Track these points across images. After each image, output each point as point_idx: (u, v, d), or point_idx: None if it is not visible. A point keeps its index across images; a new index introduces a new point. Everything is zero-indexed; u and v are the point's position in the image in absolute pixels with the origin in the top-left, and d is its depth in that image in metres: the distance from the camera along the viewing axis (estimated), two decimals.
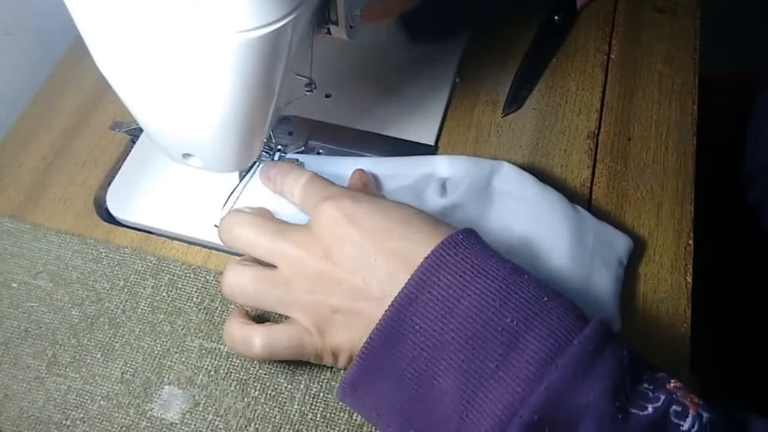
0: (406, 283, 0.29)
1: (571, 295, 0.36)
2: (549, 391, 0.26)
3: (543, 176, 0.43)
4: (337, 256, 0.31)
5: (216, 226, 0.40)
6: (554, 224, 0.38)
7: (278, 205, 0.39)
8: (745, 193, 0.51)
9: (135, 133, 0.46)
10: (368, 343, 0.29)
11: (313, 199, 0.34)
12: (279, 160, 0.43)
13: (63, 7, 0.29)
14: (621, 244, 0.39)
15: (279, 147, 0.43)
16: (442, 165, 0.41)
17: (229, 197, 0.41)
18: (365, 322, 0.30)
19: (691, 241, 0.41)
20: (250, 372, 0.37)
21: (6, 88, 0.51)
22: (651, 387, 0.26)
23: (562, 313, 0.28)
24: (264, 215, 0.35)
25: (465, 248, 0.29)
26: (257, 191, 0.42)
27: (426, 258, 0.29)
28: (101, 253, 0.41)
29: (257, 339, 0.33)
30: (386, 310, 0.29)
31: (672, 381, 0.27)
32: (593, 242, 0.38)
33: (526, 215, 0.38)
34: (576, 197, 0.43)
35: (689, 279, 0.40)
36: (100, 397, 0.37)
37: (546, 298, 0.28)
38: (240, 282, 0.34)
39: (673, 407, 0.26)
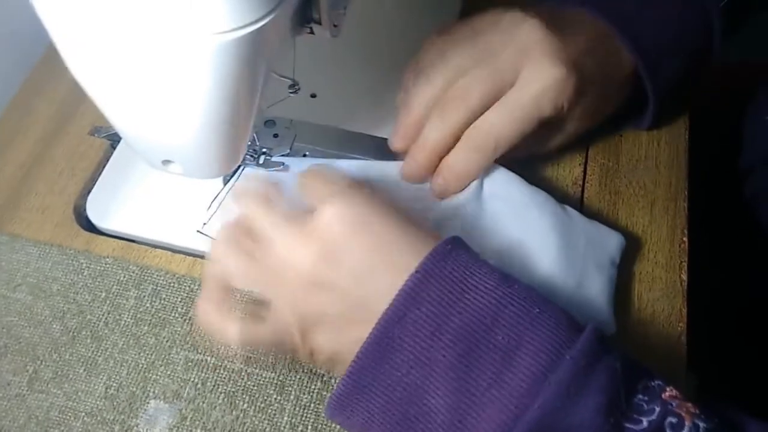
0: (392, 300, 0.28)
1: (564, 300, 0.36)
2: (543, 410, 0.25)
3: (534, 175, 0.43)
4: (338, 262, 0.30)
5: (199, 231, 0.39)
6: (543, 227, 0.37)
7: None
8: (741, 186, 0.51)
9: (115, 138, 0.45)
10: (356, 362, 0.28)
11: (319, 190, 0.32)
12: (264, 162, 0.42)
13: (35, 12, 0.27)
14: (613, 242, 0.38)
15: (264, 150, 0.42)
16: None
17: (213, 201, 0.40)
18: (357, 332, 0.29)
19: (685, 238, 0.40)
20: (238, 384, 0.36)
21: None
22: (646, 398, 0.26)
23: (553, 325, 0.27)
24: (271, 197, 0.33)
25: (452, 260, 0.28)
26: (243, 194, 0.40)
27: (412, 274, 0.28)
28: (82, 263, 0.40)
29: (236, 333, 0.31)
30: (374, 328, 0.28)
31: (668, 389, 0.26)
32: (584, 243, 0.37)
33: (515, 218, 0.37)
34: (568, 196, 0.42)
35: (684, 277, 0.39)
36: (83, 414, 0.35)
37: (537, 310, 0.28)
38: (229, 265, 0.32)
39: (669, 419, 0.25)
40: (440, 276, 0.28)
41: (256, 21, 0.25)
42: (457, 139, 0.37)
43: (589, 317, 0.35)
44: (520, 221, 0.37)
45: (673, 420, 0.25)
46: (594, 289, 0.36)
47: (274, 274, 0.31)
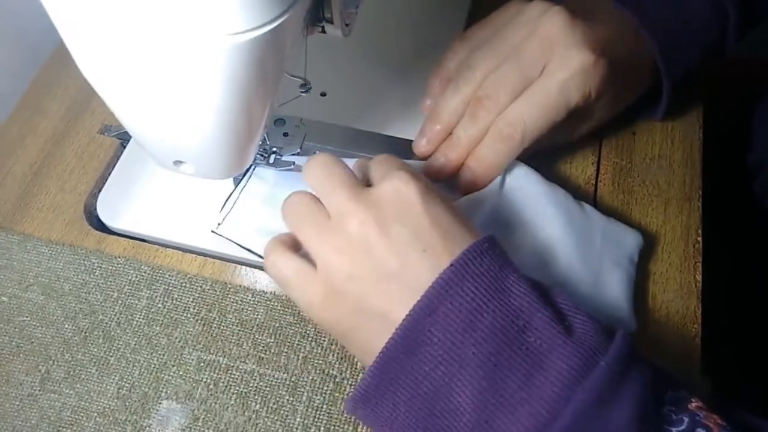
0: (426, 292, 0.27)
1: (582, 297, 0.35)
2: (575, 414, 0.25)
3: (548, 173, 0.42)
4: (388, 228, 0.29)
5: (214, 232, 0.39)
6: (560, 223, 0.37)
7: (275, 209, 0.38)
8: (751, 182, 0.50)
9: (125, 137, 0.45)
10: (384, 352, 0.28)
11: (387, 168, 0.32)
12: (275, 162, 0.41)
13: (45, 10, 0.27)
14: (630, 241, 0.38)
15: (274, 149, 0.41)
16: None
17: (226, 201, 0.40)
18: (381, 305, 0.29)
19: (699, 238, 0.40)
20: (251, 385, 0.36)
21: None
22: (673, 408, 0.26)
23: (584, 331, 0.27)
24: (340, 164, 0.33)
25: (489, 258, 0.28)
26: (255, 195, 0.40)
27: (449, 266, 0.28)
28: (93, 263, 0.40)
29: (286, 267, 0.31)
30: (404, 319, 0.27)
31: (693, 400, 0.26)
32: (602, 241, 0.37)
33: (533, 214, 0.37)
34: (581, 195, 0.42)
35: (699, 277, 0.39)
36: (95, 414, 0.35)
37: (567, 322, 0.27)
38: (294, 201, 0.32)
39: (698, 430, 0.25)
40: (476, 273, 0.28)
41: (270, 21, 0.24)
42: None
43: (607, 315, 0.35)
44: (537, 217, 0.37)
45: None
46: (612, 286, 0.36)
47: (325, 225, 0.31)
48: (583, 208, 0.38)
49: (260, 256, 0.37)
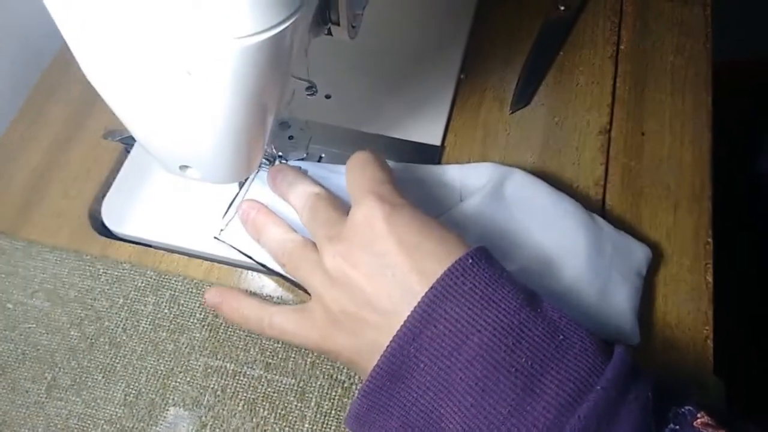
0: (408, 316, 0.27)
1: (587, 307, 0.35)
2: None
3: (555, 176, 0.42)
4: (356, 260, 0.30)
5: (216, 238, 0.39)
6: (570, 234, 0.36)
7: (279, 213, 0.38)
8: (760, 188, 0.50)
9: (129, 141, 0.44)
10: (370, 380, 0.27)
11: (360, 188, 0.32)
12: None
13: (47, 12, 0.27)
14: (640, 254, 0.38)
15: (279, 153, 0.41)
16: (453, 172, 0.39)
17: (229, 207, 0.40)
18: (369, 335, 0.29)
19: (710, 240, 0.40)
20: (259, 391, 0.35)
21: None
22: (677, 428, 0.24)
23: (580, 351, 0.26)
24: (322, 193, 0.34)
25: (473, 275, 0.27)
26: (258, 199, 0.40)
27: (430, 288, 0.27)
28: (99, 269, 0.40)
29: (273, 317, 0.33)
30: (388, 346, 0.27)
31: (698, 415, 0.25)
32: (611, 252, 0.36)
33: (542, 224, 0.37)
34: (590, 197, 0.41)
35: (710, 279, 0.38)
36: (102, 422, 0.35)
37: (562, 337, 0.26)
38: (280, 243, 0.34)
39: None
40: (460, 292, 0.27)
41: (278, 24, 0.24)
42: None
43: (612, 326, 0.35)
44: (547, 227, 0.37)
45: None
46: (619, 298, 0.35)
47: (313, 261, 0.32)
48: (594, 218, 0.38)
49: (262, 264, 0.37)
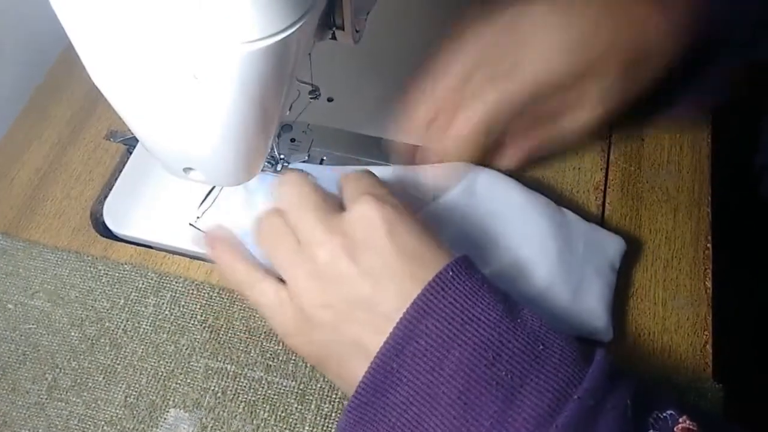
0: (391, 332, 0.27)
1: (561, 305, 0.35)
2: None
3: (556, 180, 0.42)
4: (356, 256, 0.29)
5: (191, 225, 0.39)
6: (542, 231, 0.36)
7: (252, 211, 0.38)
8: (757, 185, 0.50)
9: (131, 142, 0.45)
10: (355, 395, 0.28)
11: (356, 190, 0.32)
12: (282, 170, 0.41)
13: (51, 13, 0.27)
14: (613, 247, 0.38)
15: (282, 156, 0.41)
16: (426, 172, 0.39)
17: (207, 196, 0.40)
18: (351, 333, 0.29)
19: (709, 245, 0.40)
20: (259, 393, 0.36)
21: None
22: None
23: (559, 360, 0.26)
24: (315, 189, 0.33)
25: (453, 289, 0.27)
26: (234, 193, 0.40)
27: (411, 304, 0.27)
28: (100, 270, 0.40)
29: (263, 291, 0.32)
30: (372, 361, 0.27)
31: (680, 420, 0.25)
32: (583, 247, 0.37)
33: (514, 222, 0.37)
34: (589, 201, 0.41)
35: (709, 284, 0.39)
36: (103, 423, 0.35)
37: (541, 346, 0.26)
38: (264, 225, 0.32)
39: None
40: (441, 307, 0.27)
41: (285, 30, 0.24)
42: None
43: (587, 324, 0.35)
44: (519, 226, 0.37)
45: None
46: (592, 294, 0.35)
47: (294, 260, 0.31)
48: (565, 215, 0.38)
49: None
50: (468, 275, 0.28)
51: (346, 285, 0.29)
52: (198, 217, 0.39)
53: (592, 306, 0.35)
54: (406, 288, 0.28)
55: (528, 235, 0.36)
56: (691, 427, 0.25)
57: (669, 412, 0.26)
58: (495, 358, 0.26)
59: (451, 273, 0.28)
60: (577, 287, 0.35)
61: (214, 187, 0.40)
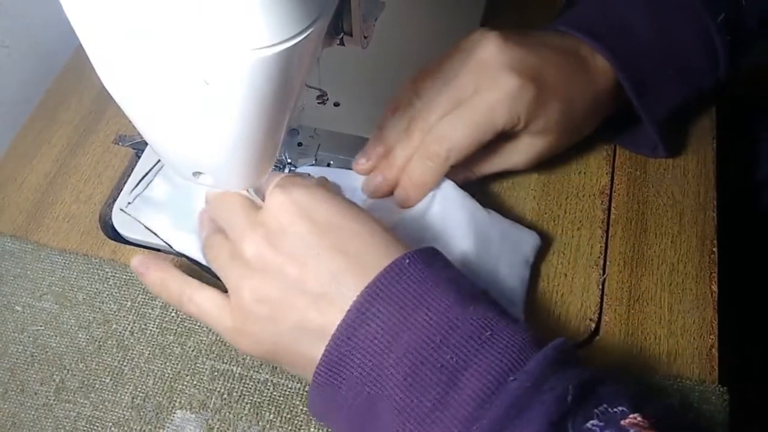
0: (344, 316, 0.28)
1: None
2: None
3: (561, 184, 0.42)
4: (277, 243, 0.30)
5: (122, 210, 0.40)
6: (461, 224, 0.37)
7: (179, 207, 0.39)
8: (757, 199, 0.50)
9: (140, 146, 0.45)
10: (315, 377, 0.29)
11: (271, 186, 0.33)
12: (289, 173, 0.41)
13: (60, 17, 0.27)
14: (528, 241, 0.38)
15: (289, 161, 0.41)
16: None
17: (140, 181, 0.41)
18: (292, 318, 0.29)
19: (715, 249, 0.40)
20: (264, 394, 0.36)
21: (3, 103, 0.50)
22: (601, 424, 0.24)
23: (506, 345, 0.27)
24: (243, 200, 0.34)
25: (408, 276, 0.28)
26: (168, 181, 0.41)
27: (365, 288, 0.28)
28: (107, 272, 0.40)
29: (200, 301, 0.33)
30: (327, 344, 0.28)
31: (630, 416, 0.25)
32: (500, 244, 0.37)
33: (434, 214, 0.37)
34: (595, 206, 0.42)
35: (714, 288, 0.39)
36: (111, 424, 0.35)
37: (489, 332, 0.27)
38: (207, 242, 0.34)
39: None
40: (393, 292, 0.28)
41: (295, 36, 0.24)
42: None
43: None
44: (440, 218, 0.37)
45: None
46: (506, 285, 0.36)
47: (230, 253, 0.32)
48: (489, 213, 0.38)
49: (166, 243, 0.39)
50: (426, 264, 0.29)
51: (274, 273, 0.30)
52: (129, 202, 0.40)
53: (505, 295, 0.36)
54: (329, 261, 0.29)
55: (447, 225, 0.37)
56: (640, 422, 0.25)
57: (621, 408, 0.25)
58: (442, 342, 0.27)
59: (408, 260, 0.29)
60: (492, 278, 0.36)
61: (148, 172, 0.40)
